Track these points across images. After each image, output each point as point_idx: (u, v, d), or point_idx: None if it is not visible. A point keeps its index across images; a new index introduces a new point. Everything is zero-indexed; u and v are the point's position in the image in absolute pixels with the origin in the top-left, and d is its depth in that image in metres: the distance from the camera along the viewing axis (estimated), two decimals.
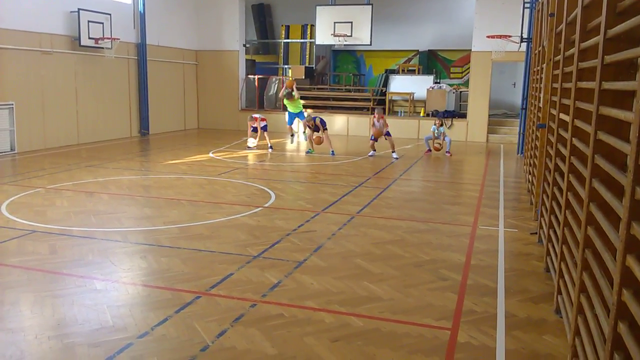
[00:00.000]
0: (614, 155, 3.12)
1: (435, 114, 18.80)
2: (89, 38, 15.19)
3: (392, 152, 13.38)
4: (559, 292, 4.50)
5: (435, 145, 14.09)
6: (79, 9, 14.81)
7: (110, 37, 15.76)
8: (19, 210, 7.71)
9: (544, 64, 7.73)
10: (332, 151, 13.75)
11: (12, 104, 13.43)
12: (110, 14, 15.85)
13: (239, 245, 6.29)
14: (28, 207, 7.92)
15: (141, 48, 17.77)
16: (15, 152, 13.51)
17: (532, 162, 9.21)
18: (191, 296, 4.77)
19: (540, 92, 8.49)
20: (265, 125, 14.76)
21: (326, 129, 13.92)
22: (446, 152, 13.91)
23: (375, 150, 13.71)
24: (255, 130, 14.67)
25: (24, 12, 13.60)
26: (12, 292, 4.81)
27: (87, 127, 15.93)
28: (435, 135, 14.02)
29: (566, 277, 4.21)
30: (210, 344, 3.91)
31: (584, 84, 4.02)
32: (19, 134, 13.63)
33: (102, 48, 15.81)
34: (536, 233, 6.81)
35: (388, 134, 13.42)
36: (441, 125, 14.05)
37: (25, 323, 4.22)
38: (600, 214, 3.11)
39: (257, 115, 14.79)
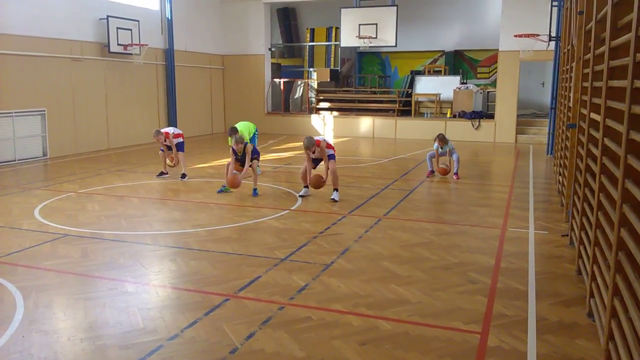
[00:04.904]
0: None
1: (462, 115, 18.64)
2: (118, 44, 15.49)
3: (334, 190, 8.96)
4: (592, 295, 4.41)
5: (441, 166, 10.95)
6: (108, 16, 15.10)
7: (138, 43, 16.03)
8: (52, 214, 7.87)
9: (574, 63, 7.60)
10: (255, 190, 9.22)
11: (44, 110, 13.75)
12: (138, 21, 16.13)
13: (266, 248, 6.32)
14: (60, 211, 8.09)
15: (169, 54, 18.02)
16: (47, 157, 13.82)
17: (562, 162, 9.05)
18: (220, 299, 4.81)
19: (570, 91, 8.35)
20: (182, 144, 11.00)
21: (255, 159, 9.40)
22: (454, 174, 10.93)
23: (307, 188, 9.26)
24: (169, 149, 11.02)
25: (55, 20, 13.92)
26: (45, 294, 4.91)
27: (117, 132, 16.21)
28: (440, 153, 10.92)
29: (599, 279, 4.13)
30: (239, 347, 3.93)
31: (615, 83, 3.94)
32: (50, 139, 13.94)
33: (131, 54, 16.09)
34: (567, 235, 6.69)
35: (332, 157, 9.11)
36: (445, 143, 10.81)
37: (59, 325, 4.31)
38: (633, 216, 3.05)
39: (167, 130, 11.03)
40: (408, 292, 4.97)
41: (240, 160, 9.29)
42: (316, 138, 9.15)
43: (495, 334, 4.14)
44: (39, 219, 7.62)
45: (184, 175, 10.79)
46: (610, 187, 3.88)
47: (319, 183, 9.02)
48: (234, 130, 10.46)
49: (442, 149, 10.88)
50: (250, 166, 9.24)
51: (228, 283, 5.19)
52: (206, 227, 7.25)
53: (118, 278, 5.35)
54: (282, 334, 4.12)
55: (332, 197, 8.85)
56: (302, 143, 9.08)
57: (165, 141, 10.91)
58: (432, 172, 11.10)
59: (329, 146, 9.22)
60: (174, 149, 10.90)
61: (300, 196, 9.11)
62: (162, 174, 11.08)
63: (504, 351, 3.90)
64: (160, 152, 11.15)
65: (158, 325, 4.27)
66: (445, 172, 10.94)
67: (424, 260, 5.89)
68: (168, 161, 11.09)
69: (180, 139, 11.00)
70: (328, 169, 9.03)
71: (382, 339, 4.06)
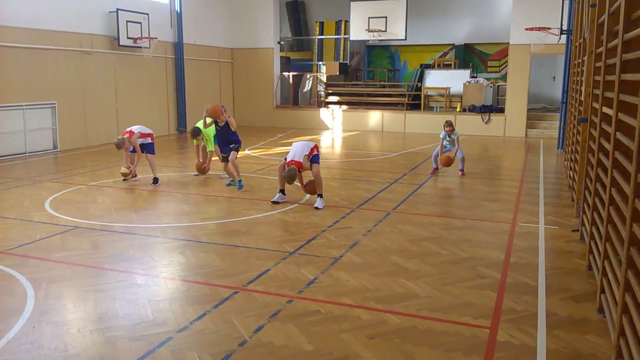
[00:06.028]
0: None
1: (472, 109, 18.54)
2: (128, 38, 15.52)
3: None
4: (602, 291, 4.38)
5: (444, 155, 10.46)
6: (117, 9, 15.13)
7: (148, 36, 16.05)
8: (62, 207, 7.92)
9: (585, 56, 7.53)
10: (240, 181, 9.23)
11: (54, 103, 13.82)
12: (147, 14, 16.14)
13: (275, 241, 6.33)
14: (70, 204, 8.14)
15: (178, 47, 18.04)
16: (58, 150, 13.89)
17: (573, 157, 8.99)
18: (229, 291, 4.82)
19: (581, 85, 8.28)
20: (152, 145, 9.70)
21: (235, 149, 9.32)
22: (460, 170, 10.61)
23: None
24: (133, 151, 9.67)
25: (64, 14, 13.96)
26: (56, 286, 4.95)
27: (127, 125, 16.00)
28: (445, 145, 10.54)
29: (610, 275, 4.10)
30: (247, 339, 3.94)
31: (628, 76, 3.89)
32: (61, 132, 14.01)
33: (141, 47, 16.12)
34: (578, 230, 6.65)
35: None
36: (452, 131, 10.35)
37: (69, 317, 4.34)
38: None
39: (132, 129, 9.62)
40: (417, 287, 4.96)
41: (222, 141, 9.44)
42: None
43: (505, 329, 4.12)
44: (49, 211, 7.67)
45: (155, 180, 9.52)
46: (622, 181, 3.85)
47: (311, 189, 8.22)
48: (197, 132, 9.92)
49: (449, 136, 10.36)
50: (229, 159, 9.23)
51: (237, 276, 5.21)
52: (215, 220, 7.27)
53: (128, 270, 5.37)
54: (290, 327, 4.12)
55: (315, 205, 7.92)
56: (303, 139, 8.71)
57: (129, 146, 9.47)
58: (437, 168, 10.82)
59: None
60: (138, 152, 9.56)
61: (273, 202, 8.15)
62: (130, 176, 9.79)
63: (513, 346, 3.88)
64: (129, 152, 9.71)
65: (167, 317, 4.29)
66: (448, 162, 10.32)
67: (433, 255, 5.87)
68: (123, 168, 9.66)
69: (149, 140, 9.66)
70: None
71: (391, 333, 4.05)
